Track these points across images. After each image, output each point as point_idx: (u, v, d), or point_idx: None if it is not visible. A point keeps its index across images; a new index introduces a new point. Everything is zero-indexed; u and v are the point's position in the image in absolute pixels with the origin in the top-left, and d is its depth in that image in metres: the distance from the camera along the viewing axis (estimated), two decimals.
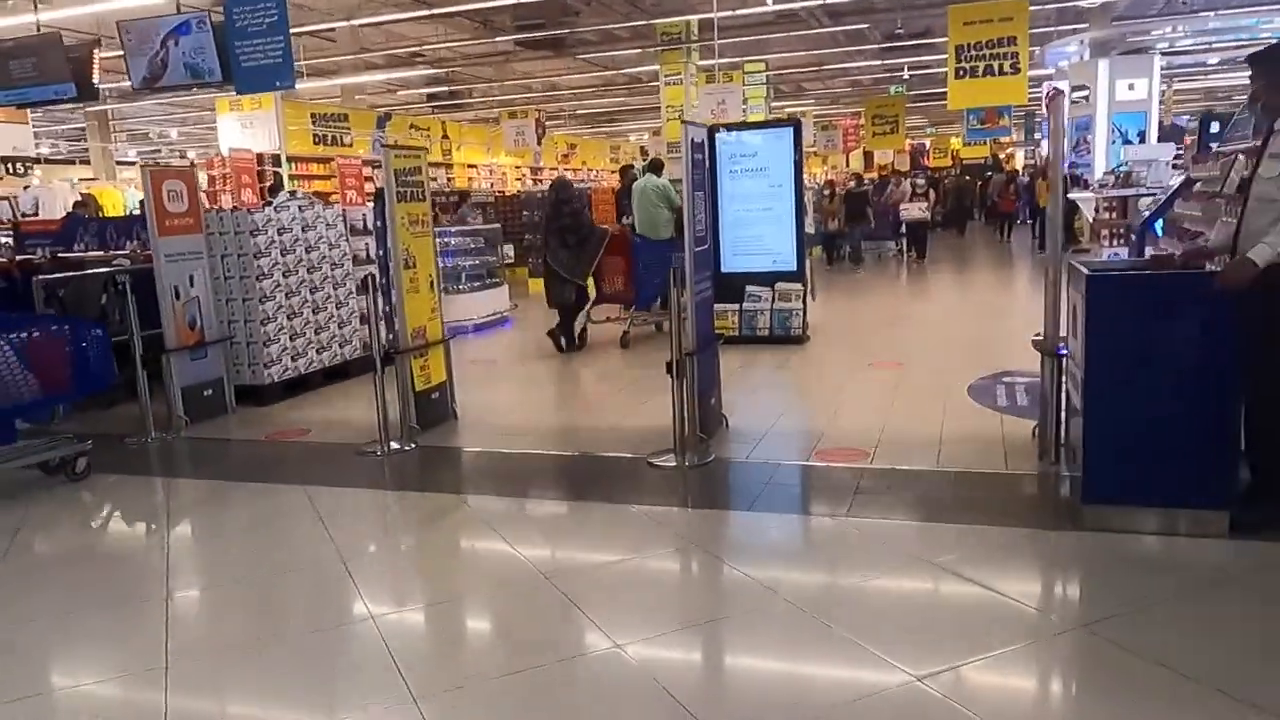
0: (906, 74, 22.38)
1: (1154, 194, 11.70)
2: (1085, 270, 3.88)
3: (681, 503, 4.53)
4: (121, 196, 19.04)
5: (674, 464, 5.05)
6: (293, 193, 8.00)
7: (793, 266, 8.76)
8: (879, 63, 22.61)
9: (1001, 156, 38.76)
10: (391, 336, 6.16)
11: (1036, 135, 34.49)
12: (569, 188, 9.82)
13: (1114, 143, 17.17)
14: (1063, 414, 4.73)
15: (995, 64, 15.38)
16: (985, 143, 33.46)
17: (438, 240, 11.27)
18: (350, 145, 19.08)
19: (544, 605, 3.40)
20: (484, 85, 26.13)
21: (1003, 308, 10.97)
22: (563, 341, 8.99)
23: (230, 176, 17.46)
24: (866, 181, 20.55)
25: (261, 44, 10.27)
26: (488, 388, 7.56)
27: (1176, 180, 11.65)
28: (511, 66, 24.82)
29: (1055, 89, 5.45)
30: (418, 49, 21.06)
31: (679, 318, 5.02)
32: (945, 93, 29.95)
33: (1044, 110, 23.41)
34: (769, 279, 8.78)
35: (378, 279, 6.13)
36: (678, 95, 19.55)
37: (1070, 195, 17.64)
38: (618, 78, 25.04)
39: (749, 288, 8.81)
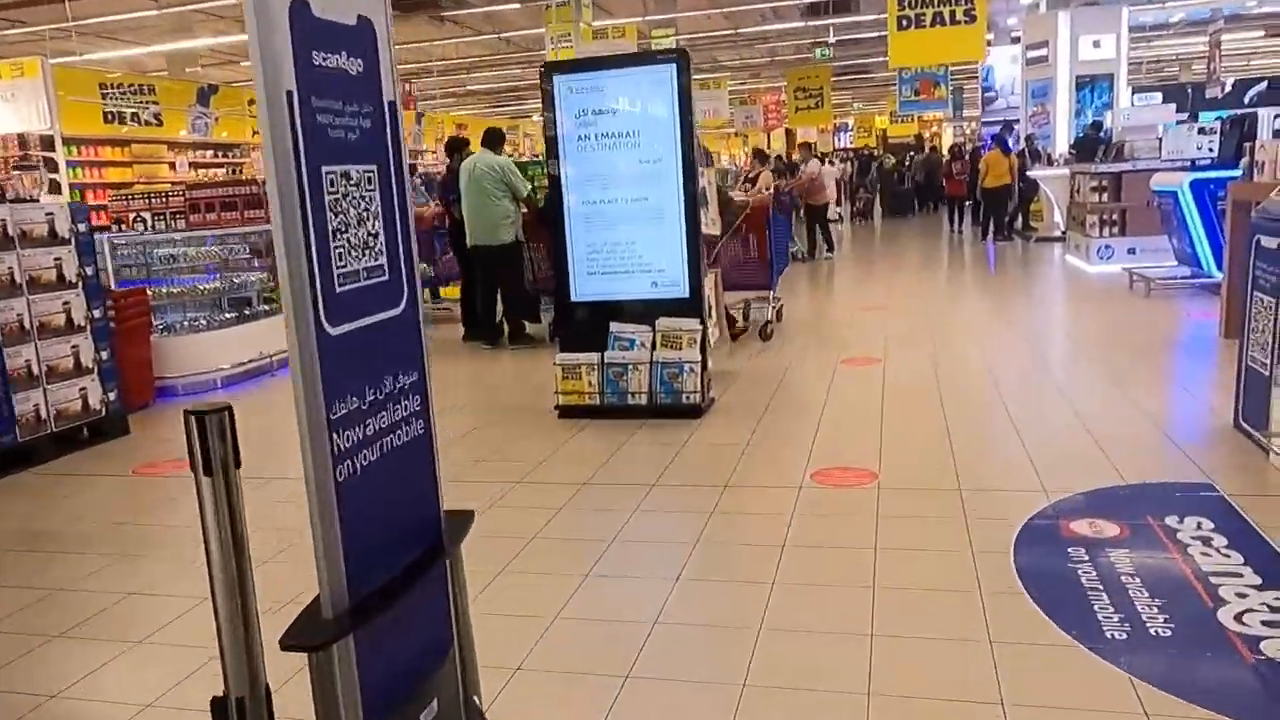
0: (832, 37, 19.12)
1: (1179, 165, 8.59)
2: None
3: None
4: None
5: None
6: None
7: (683, 291, 5.33)
8: (801, 24, 19.33)
9: (927, 135, 35.97)
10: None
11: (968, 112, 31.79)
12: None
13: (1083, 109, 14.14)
14: None
15: (945, 10, 12.15)
16: (914, 119, 30.63)
17: (191, 250, 7.76)
18: (160, 124, 15.07)
19: None
20: None
21: (989, 346, 7.72)
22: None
23: None
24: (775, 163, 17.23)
25: None
26: (105, 547, 3.95)
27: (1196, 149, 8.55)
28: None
29: None
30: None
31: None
32: (871, 65, 26.60)
33: None
34: (647, 312, 5.35)
35: None
36: None
37: (1031, 172, 14.62)
38: (505, 47, 21.30)
39: (615, 327, 5.36)
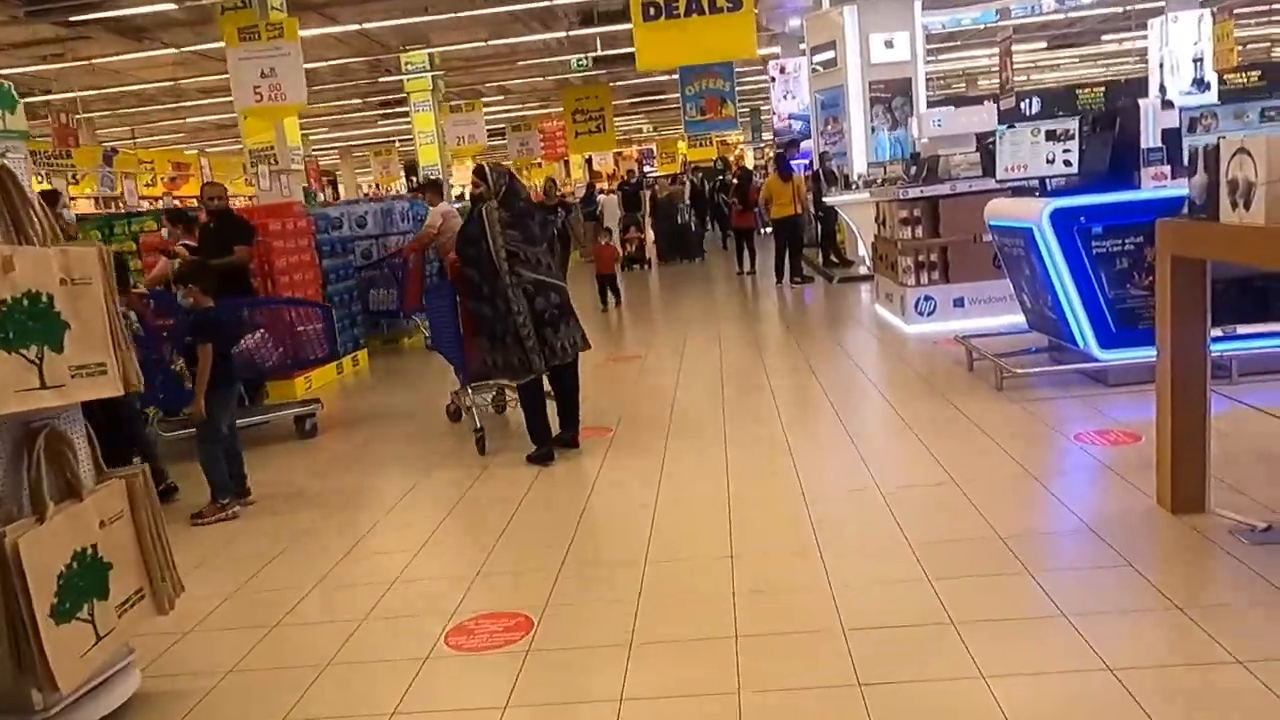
0: (599, 48, 15.99)
1: (1018, 185, 5.71)
2: None
3: None
4: None
5: None
6: None
7: None
8: (562, 35, 16.14)
9: (731, 159, 33.79)
10: None
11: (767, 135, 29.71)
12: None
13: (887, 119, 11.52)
14: None
15: None
16: (710, 141, 28.24)
17: None
18: None
19: None
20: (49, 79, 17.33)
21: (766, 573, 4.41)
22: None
23: None
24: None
25: None
26: None
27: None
28: (75, 51, 16.23)
29: None
30: None
31: None
32: (665, 84, 23.69)
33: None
34: None
35: None
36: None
37: (827, 198, 11.90)
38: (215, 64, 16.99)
39: None
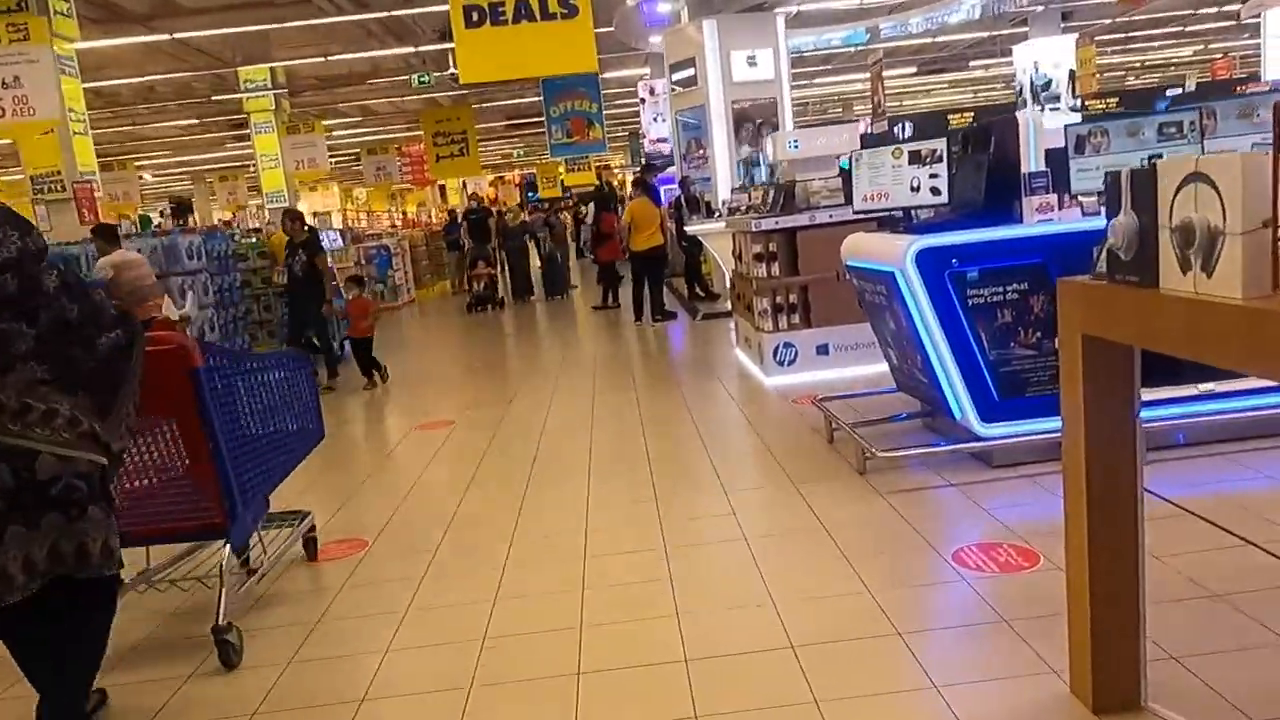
0: (452, 65, 14.67)
1: (878, 216, 4.69)
2: None
3: None
4: None
5: None
6: None
7: None
8: (413, 50, 14.77)
9: (615, 183, 32.78)
10: None
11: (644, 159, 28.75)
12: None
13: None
14: None
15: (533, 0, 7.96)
16: (590, 164, 27.15)
17: None
18: None
19: None
20: None
21: None
22: None
23: None
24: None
25: None
26: None
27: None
28: None
29: None
30: None
31: None
32: (540, 106, 22.36)
33: None
34: None
35: None
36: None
37: (690, 228, 10.89)
38: None
39: None
